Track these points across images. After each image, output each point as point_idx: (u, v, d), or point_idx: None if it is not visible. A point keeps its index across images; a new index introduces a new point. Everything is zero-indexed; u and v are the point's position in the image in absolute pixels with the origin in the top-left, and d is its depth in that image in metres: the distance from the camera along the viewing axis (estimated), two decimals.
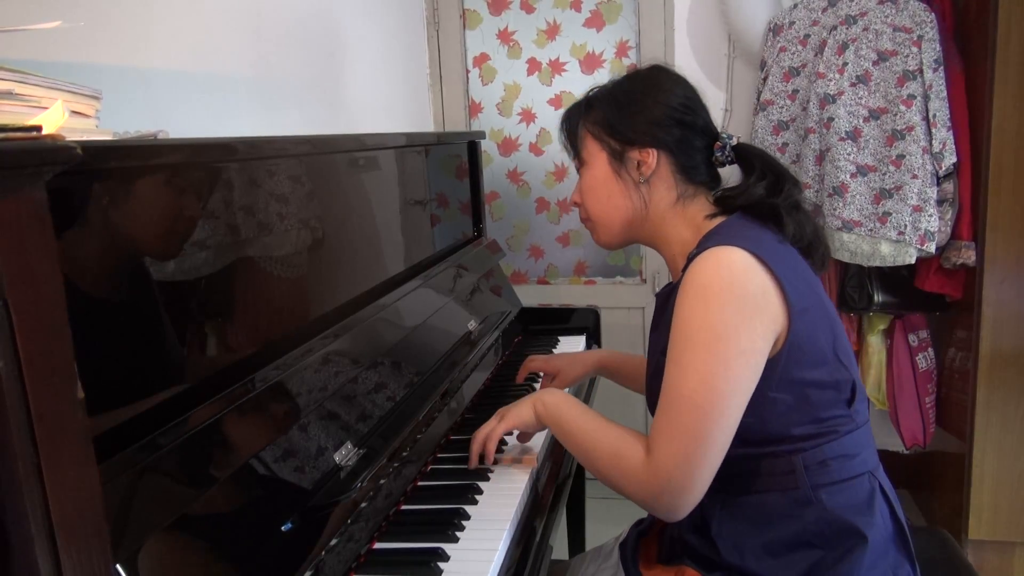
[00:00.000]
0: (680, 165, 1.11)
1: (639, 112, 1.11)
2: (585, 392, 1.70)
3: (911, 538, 1.07)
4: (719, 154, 1.13)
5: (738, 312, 0.96)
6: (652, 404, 1.13)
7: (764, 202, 1.08)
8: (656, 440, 0.99)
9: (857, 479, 1.03)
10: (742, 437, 0.99)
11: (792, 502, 1.02)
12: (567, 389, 1.45)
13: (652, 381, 1.13)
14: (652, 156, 1.10)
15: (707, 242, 1.04)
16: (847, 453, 1.02)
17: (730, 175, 1.18)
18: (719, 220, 1.09)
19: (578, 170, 1.20)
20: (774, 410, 1.00)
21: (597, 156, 1.14)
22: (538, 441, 1.32)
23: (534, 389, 1.57)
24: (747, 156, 1.13)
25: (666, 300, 1.13)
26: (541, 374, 1.58)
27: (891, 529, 1.05)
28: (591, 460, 1.08)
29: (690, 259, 1.04)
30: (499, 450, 1.22)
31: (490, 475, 1.19)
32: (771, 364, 0.99)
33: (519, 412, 1.19)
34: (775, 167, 1.12)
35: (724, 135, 1.13)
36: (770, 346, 0.98)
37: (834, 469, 1.02)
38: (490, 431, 1.20)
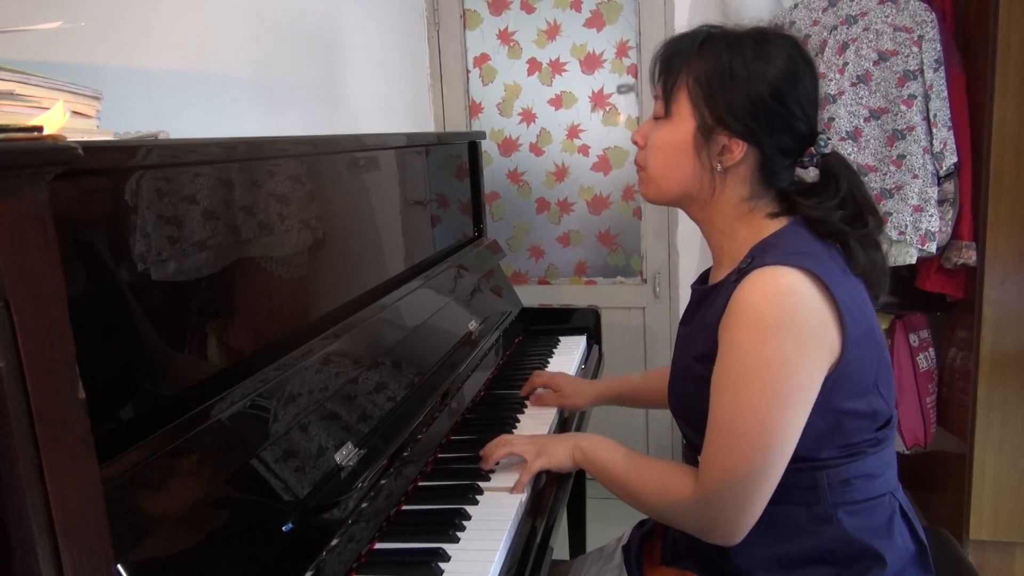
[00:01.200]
0: (764, 166, 1.02)
1: (742, 85, 0.98)
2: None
3: (931, 557, 1.05)
4: (807, 159, 1.03)
5: (797, 346, 0.91)
6: (679, 410, 1.12)
7: (838, 230, 1.00)
8: (708, 475, 0.96)
9: (878, 500, 1.00)
10: None
11: (811, 517, 0.99)
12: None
13: (679, 384, 1.10)
14: (740, 148, 1.00)
15: (763, 254, 0.96)
16: (871, 473, 0.99)
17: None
18: (779, 223, 1.02)
19: (656, 112, 1.06)
20: (806, 434, 0.95)
21: (685, 120, 1.02)
22: None
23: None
24: (833, 172, 1.02)
25: (704, 298, 1.07)
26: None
27: (912, 550, 1.03)
28: (638, 500, 1.06)
29: (743, 270, 0.96)
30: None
31: (491, 475, 1.19)
32: None
33: (556, 454, 1.15)
34: (861, 197, 1.02)
35: (821, 139, 1.02)
36: (824, 373, 0.94)
37: (856, 489, 0.98)
38: (531, 464, 1.15)
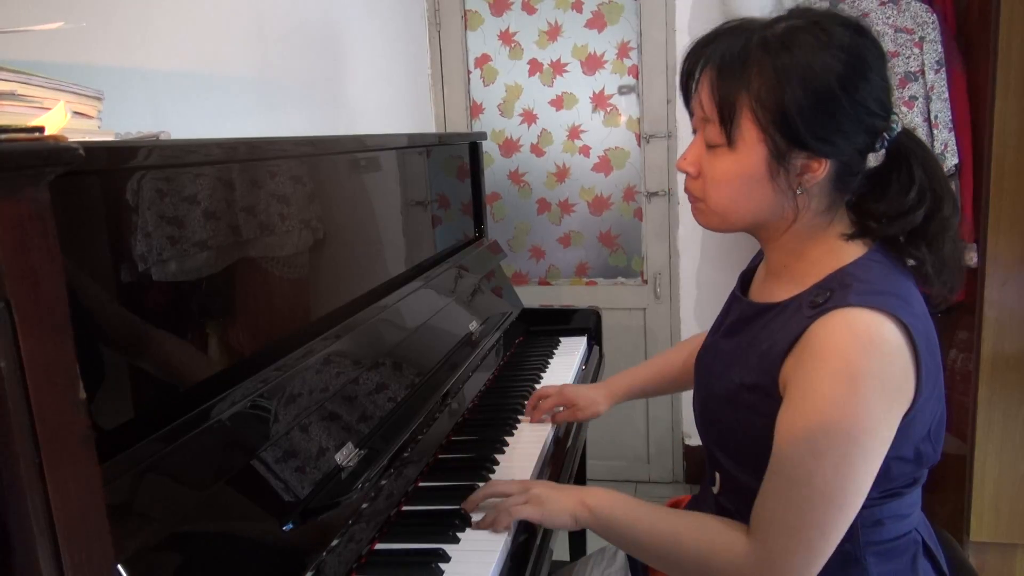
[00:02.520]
0: (842, 171, 0.90)
1: (815, 101, 0.85)
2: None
3: None
4: (878, 145, 0.90)
5: (884, 400, 0.84)
6: (714, 435, 1.00)
7: (912, 241, 0.91)
8: (770, 526, 0.86)
9: (905, 538, 0.96)
10: None
11: (839, 558, 0.90)
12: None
13: (720, 408, 0.98)
14: (823, 165, 0.88)
15: (845, 289, 0.86)
16: (902, 513, 0.95)
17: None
18: (856, 248, 0.92)
19: (712, 140, 0.92)
20: None
21: (753, 147, 0.89)
22: (537, 446, 1.32)
23: (534, 389, 1.57)
24: (904, 155, 0.90)
25: (758, 316, 0.97)
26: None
27: None
28: (672, 560, 0.93)
29: (820, 304, 0.86)
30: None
31: (492, 476, 1.19)
32: None
33: (553, 512, 1.00)
34: (939, 181, 0.91)
35: (893, 119, 0.89)
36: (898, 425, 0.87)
37: (887, 528, 0.94)
38: (514, 510, 1.01)
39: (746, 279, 1.09)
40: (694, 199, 0.98)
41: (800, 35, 0.87)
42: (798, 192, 0.90)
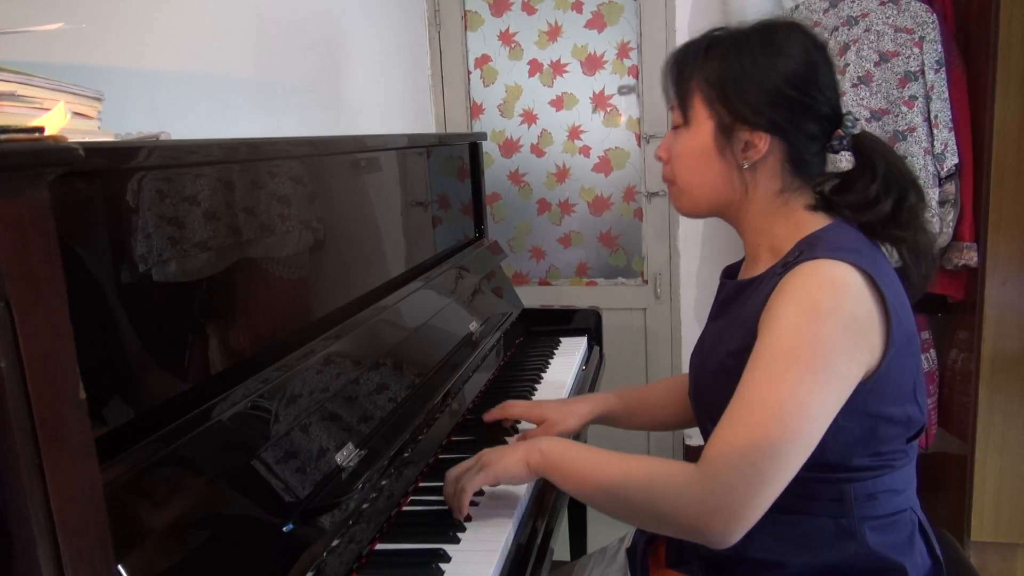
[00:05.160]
0: (792, 156, 0.99)
1: (754, 79, 0.97)
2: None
3: (944, 571, 1.04)
4: (836, 142, 1.00)
5: (845, 334, 0.88)
6: (709, 414, 1.02)
7: (885, 225, 0.98)
8: (720, 448, 0.87)
9: (901, 515, 0.98)
10: None
11: (836, 531, 0.95)
12: None
13: (710, 382, 1.03)
14: (763, 141, 0.98)
15: (812, 247, 0.93)
16: (896, 488, 0.97)
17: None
18: (822, 219, 0.99)
19: (675, 122, 1.05)
20: (838, 439, 0.92)
21: (703, 123, 1.01)
22: None
23: (535, 390, 1.57)
24: (868, 153, 0.99)
25: (740, 292, 1.03)
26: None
27: (928, 565, 1.02)
28: (620, 503, 0.93)
29: (790, 263, 0.94)
30: (474, 501, 1.04)
31: None
32: (853, 393, 0.91)
33: (506, 465, 1.00)
34: (900, 174, 0.98)
35: (847, 120, 0.99)
36: (862, 373, 0.91)
37: (881, 503, 0.96)
38: (465, 481, 1.00)
39: (732, 272, 1.14)
40: (668, 184, 1.08)
41: (752, 32, 1.00)
42: (744, 167, 1.00)
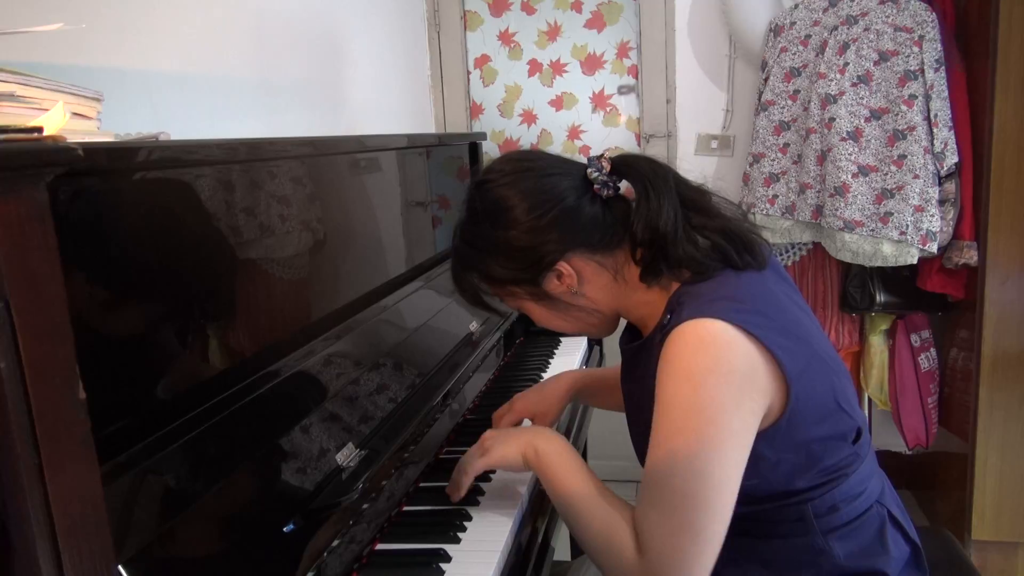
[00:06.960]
0: (590, 246, 1.00)
1: (499, 250, 1.00)
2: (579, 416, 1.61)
3: (924, 553, 1.04)
4: (599, 186, 1.00)
5: (728, 390, 0.87)
6: (641, 454, 1.02)
7: (698, 231, 0.98)
8: (648, 539, 0.89)
9: (866, 515, 0.99)
10: (748, 496, 0.91)
11: (804, 549, 0.97)
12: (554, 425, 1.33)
13: (638, 437, 1.05)
14: (565, 266, 1.00)
15: (680, 307, 0.94)
16: (854, 492, 0.98)
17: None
18: (675, 275, 0.99)
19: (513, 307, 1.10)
20: (779, 470, 0.94)
21: (522, 302, 1.06)
22: None
23: (541, 378, 1.56)
24: (629, 173, 1.00)
25: (636, 356, 1.07)
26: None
27: (907, 553, 1.02)
28: (578, 531, 0.98)
29: (664, 330, 0.94)
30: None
31: (492, 476, 1.19)
32: (772, 432, 0.91)
33: (505, 452, 1.05)
34: (663, 171, 1.00)
35: (591, 167, 1.00)
36: (759, 420, 0.90)
37: (844, 512, 0.97)
38: (467, 463, 1.07)
39: (634, 330, 1.13)
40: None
41: (459, 224, 1.05)
42: (576, 292, 1.02)
